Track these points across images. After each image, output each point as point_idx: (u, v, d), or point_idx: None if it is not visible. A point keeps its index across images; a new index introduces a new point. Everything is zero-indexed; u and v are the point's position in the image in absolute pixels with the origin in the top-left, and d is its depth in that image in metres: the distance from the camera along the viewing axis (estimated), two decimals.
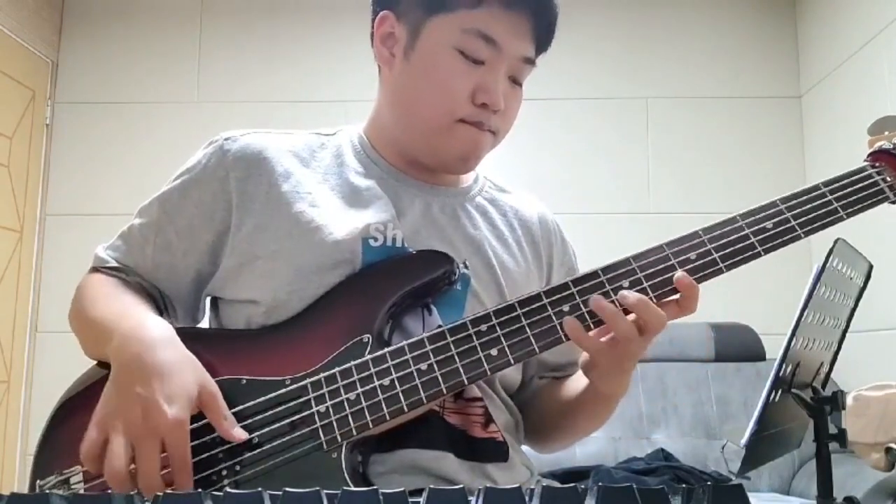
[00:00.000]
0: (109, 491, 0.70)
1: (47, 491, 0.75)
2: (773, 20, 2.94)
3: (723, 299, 2.37)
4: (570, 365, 1.00)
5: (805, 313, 0.71)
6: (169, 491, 0.54)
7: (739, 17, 2.95)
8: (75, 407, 0.81)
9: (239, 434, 0.74)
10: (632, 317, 0.76)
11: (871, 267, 0.82)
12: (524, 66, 0.89)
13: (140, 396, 0.72)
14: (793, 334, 0.71)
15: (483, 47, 0.85)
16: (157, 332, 0.79)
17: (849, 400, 1.07)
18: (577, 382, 0.94)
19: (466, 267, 0.89)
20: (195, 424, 0.75)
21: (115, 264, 0.93)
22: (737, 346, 2.52)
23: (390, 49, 0.91)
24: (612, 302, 0.77)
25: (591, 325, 0.78)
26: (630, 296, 0.76)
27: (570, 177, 2.87)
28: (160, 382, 0.72)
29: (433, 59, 0.87)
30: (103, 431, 0.72)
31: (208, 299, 0.96)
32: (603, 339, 0.78)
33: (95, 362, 0.86)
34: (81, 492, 0.75)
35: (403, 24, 0.89)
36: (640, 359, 0.80)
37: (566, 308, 0.78)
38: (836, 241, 0.73)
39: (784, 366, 0.71)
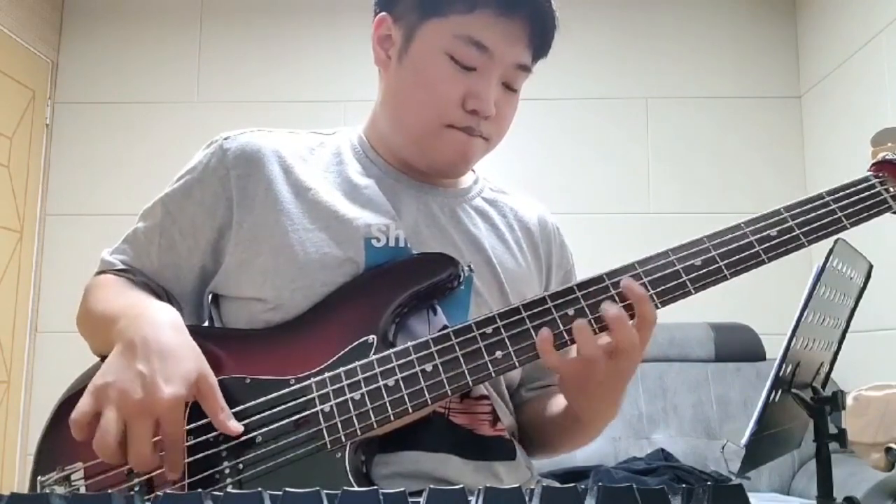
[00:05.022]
0: (109, 491, 0.70)
1: (48, 487, 0.76)
2: (773, 20, 2.94)
3: (723, 299, 2.37)
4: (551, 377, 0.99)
5: (805, 313, 0.72)
6: (169, 491, 0.54)
7: (739, 17, 2.95)
8: None
9: (234, 426, 0.73)
10: (605, 340, 0.76)
11: (871, 267, 0.82)
12: (519, 72, 0.88)
13: (139, 373, 0.71)
14: (793, 334, 0.71)
15: (475, 54, 0.85)
16: (163, 315, 0.79)
17: (849, 400, 1.07)
18: (561, 401, 0.92)
19: (472, 270, 0.89)
20: (197, 423, 0.75)
21: (121, 266, 0.93)
22: (737, 346, 2.52)
23: (387, 51, 0.91)
24: (589, 322, 0.76)
25: (597, 330, 0.77)
26: (610, 309, 0.75)
27: (571, 177, 2.87)
28: (161, 362, 0.72)
29: (424, 63, 0.87)
30: (97, 402, 0.71)
31: (210, 296, 0.95)
32: (569, 359, 0.77)
33: (100, 359, 0.85)
34: (82, 488, 0.75)
35: (399, 26, 0.89)
36: (612, 388, 0.79)
37: (571, 312, 0.78)
38: (836, 241, 0.74)
39: (784, 366, 0.72)
